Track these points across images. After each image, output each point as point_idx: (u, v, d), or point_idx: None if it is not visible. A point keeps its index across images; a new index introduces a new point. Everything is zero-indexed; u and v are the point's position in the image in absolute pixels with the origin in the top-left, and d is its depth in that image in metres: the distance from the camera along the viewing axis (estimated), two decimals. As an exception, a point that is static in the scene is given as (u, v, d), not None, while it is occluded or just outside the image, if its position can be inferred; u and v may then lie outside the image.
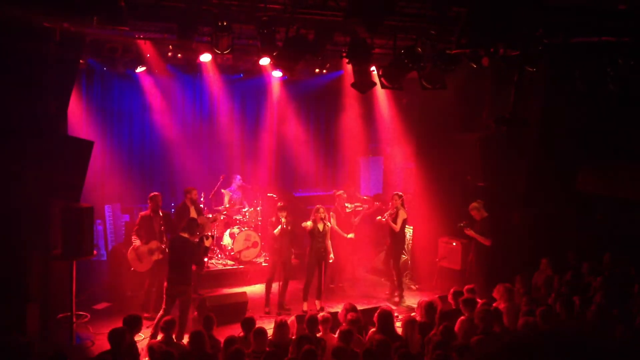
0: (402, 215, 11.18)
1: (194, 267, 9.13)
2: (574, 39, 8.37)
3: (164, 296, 8.84)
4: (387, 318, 7.28)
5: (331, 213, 11.30)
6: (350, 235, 11.54)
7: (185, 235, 8.84)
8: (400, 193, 11.42)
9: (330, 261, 10.67)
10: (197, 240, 8.95)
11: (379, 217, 11.46)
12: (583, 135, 11.01)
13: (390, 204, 11.45)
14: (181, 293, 8.76)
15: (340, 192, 11.83)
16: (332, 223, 11.06)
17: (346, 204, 11.64)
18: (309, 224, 10.54)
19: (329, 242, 10.65)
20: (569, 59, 9.18)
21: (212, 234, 12.36)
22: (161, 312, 8.70)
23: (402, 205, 11.22)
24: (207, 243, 9.08)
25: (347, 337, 6.79)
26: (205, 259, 12.10)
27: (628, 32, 8.03)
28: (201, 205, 11.85)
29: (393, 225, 11.15)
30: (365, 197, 12.85)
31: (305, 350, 6.19)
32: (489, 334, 7.16)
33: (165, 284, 8.89)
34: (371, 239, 12.44)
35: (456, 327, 7.39)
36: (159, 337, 7.56)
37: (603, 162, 11.20)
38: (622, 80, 8.79)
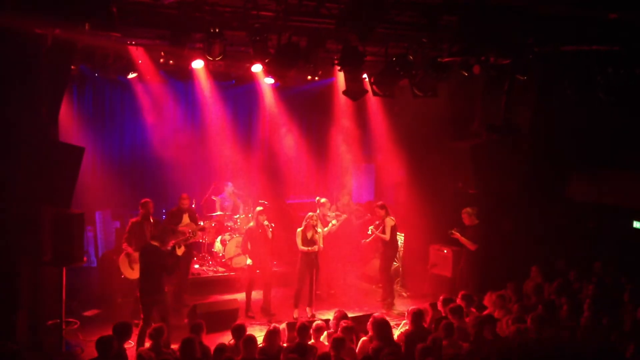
0: (390, 222, 11.21)
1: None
2: (565, 47, 8.43)
3: (140, 305, 8.76)
4: (383, 325, 7.23)
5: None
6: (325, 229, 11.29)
7: (156, 243, 8.63)
8: (382, 203, 11.41)
9: (317, 248, 10.51)
10: (169, 248, 8.79)
11: (369, 232, 11.44)
12: (574, 143, 11.07)
13: (374, 215, 11.46)
14: (156, 302, 8.60)
15: (324, 199, 11.74)
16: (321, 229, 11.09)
17: (328, 213, 11.60)
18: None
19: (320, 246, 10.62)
20: (560, 67, 9.24)
21: (203, 240, 12.34)
22: (140, 322, 8.58)
23: (388, 213, 11.24)
24: (180, 252, 8.93)
25: (338, 345, 6.76)
26: (197, 266, 12.09)
27: (618, 41, 8.09)
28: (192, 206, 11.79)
29: (382, 236, 11.22)
30: (359, 207, 12.81)
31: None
32: (480, 340, 7.18)
33: (137, 293, 8.80)
34: (360, 248, 12.40)
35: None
36: (147, 344, 7.51)
37: (594, 170, 11.26)
38: (612, 89, 8.85)
